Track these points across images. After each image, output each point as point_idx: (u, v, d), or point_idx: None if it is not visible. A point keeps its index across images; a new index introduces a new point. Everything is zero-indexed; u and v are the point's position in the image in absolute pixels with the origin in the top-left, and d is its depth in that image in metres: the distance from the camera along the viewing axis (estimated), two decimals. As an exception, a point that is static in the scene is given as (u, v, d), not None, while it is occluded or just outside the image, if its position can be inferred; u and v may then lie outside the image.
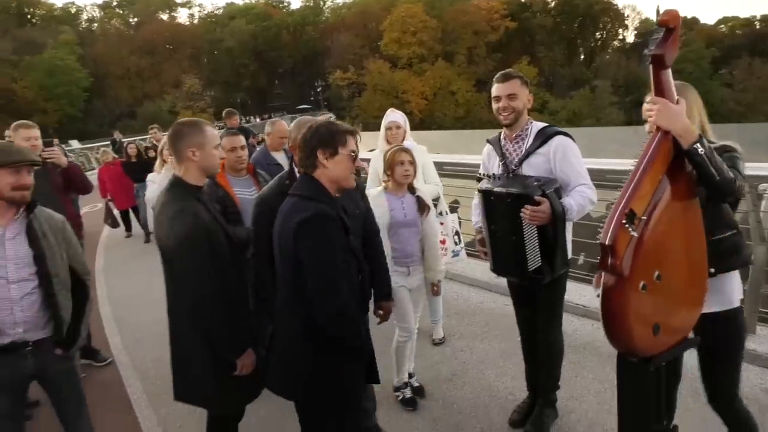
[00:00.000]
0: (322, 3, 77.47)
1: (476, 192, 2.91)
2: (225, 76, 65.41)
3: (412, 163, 3.23)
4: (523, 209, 2.51)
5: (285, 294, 2.18)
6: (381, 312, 2.82)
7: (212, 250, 2.32)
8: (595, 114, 58.93)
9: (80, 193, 4.41)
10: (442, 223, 4.15)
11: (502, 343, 4.12)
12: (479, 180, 2.85)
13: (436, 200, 4.23)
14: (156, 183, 4.31)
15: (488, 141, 3.02)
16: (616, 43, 72.76)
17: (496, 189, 2.67)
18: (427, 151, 4.29)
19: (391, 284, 2.90)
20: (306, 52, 67.65)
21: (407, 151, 3.25)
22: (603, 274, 1.70)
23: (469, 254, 5.17)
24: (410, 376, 3.59)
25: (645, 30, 64.90)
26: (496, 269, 2.88)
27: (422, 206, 3.30)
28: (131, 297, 5.99)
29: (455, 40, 63.24)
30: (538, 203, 2.48)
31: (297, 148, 2.32)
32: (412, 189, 3.33)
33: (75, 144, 29.17)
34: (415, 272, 3.37)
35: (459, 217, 4.57)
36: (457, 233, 4.32)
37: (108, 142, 16.01)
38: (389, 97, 55.88)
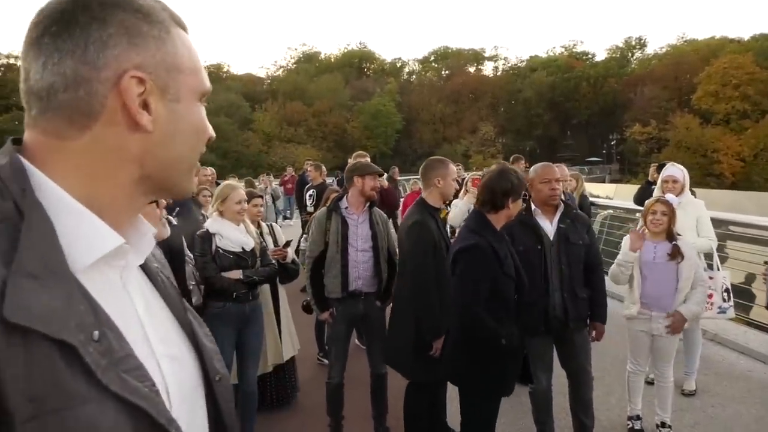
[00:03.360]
0: (629, 54, 74.58)
1: None
2: (518, 125, 68.04)
3: (665, 214, 3.59)
4: None
5: (454, 302, 2.76)
6: (594, 332, 3.33)
7: (433, 254, 3.22)
8: None
9: (389, 209, 6.10)
10: (711, 278, 4.23)
11: (762, 411, 3.96)
12: None
13: (708, 255, 4.35)
14: (458, 207, 5.43)
15: None
16: None
17: None
18: (704, 205, 4.45)
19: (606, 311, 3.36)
20: (604, 104, 65.75)
21: (663, 202, 3.65)
22: None
23: (741, 320, 4.97)
24: (663, 425, 3.68)
25: None
26: None
27: (674, 253, 3.56)
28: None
29: (793, 93, 53.33)
30: None
31: (481, 190, 2.78)
32: (671, 237, 3.64)
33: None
34: (659, 319, 3.58)
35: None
36: (727, 290, 4.31)
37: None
38: (695, 156, 50.09)
